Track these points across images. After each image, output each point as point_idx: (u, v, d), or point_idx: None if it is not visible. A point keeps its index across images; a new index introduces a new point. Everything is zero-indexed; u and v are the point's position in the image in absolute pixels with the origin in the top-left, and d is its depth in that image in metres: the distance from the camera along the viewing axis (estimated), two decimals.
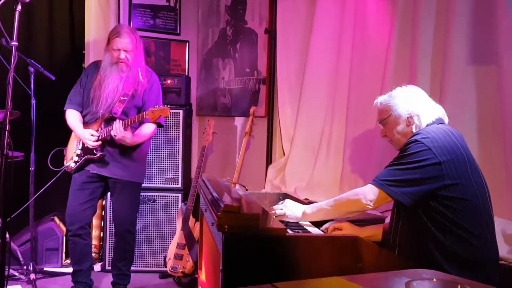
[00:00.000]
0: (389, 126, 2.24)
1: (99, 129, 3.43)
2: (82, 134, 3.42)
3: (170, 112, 4.15)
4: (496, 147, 2.50)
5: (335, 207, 2.22)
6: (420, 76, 2.78)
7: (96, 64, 3.56)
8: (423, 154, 2.01)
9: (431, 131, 2.09)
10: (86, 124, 3.49)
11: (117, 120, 3.31)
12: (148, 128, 3.50)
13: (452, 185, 1.99)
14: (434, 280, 1.06)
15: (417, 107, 2.19)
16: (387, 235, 2.23)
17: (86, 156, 3.45)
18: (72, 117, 3.52)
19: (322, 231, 2.38)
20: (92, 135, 3.39)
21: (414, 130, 2.17)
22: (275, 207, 2.40)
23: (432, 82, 2.77)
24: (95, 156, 3.42)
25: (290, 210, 2.35)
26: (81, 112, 3.54)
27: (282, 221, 2.35)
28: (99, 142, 3.40)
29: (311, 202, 3.03)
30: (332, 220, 2.40)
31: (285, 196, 3.12)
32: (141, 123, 3.46)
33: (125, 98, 3.41)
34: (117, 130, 3.28)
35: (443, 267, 1.95)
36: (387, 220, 2.34)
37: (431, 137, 2.04)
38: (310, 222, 2.48)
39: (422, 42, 2.79)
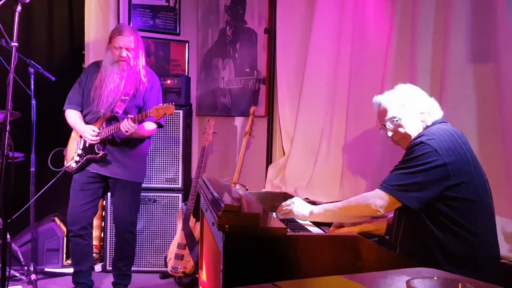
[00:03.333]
0: (401, 122, 2.20)
1: (101, 128, 3.43)
2: (83, 129, 3.41)
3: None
4: (495, 146, 2.50)
5: (343, 209, 2.19)
6: (420, 75, 2.78)
7: (97, 64, 3.56)
8: (429, 156, 1.99)
9: (436, 132, 2.08)
10: (87, 124, 3.48)
11: (125, 119, 3.30)
12: (150, 126, 3.51)
13: (456, 185, 1.99)
14: (435, 278, 1.06)
15: (423, 105, 2.18)
16: (390, 231, 2.23)
17: (88, 156, 3.45)
18: (72, 115, 3.52)
19: (324, 231, 2.38)
20: (93, 130, 3.39)
21: (424, 126, 2.16)
22: (283, 203, 2.39)
23: (432, 80, 2.77)
24: (98, 156, 3.42)
25: (297, 207, 2.33)
26: (81, 112, 3.54)
27: (282, 221, 2.36)
28: (98, 138, 3.40)
29: (311, 202, 3.04)
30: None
31: (286, 195, 3.12)
32: (141, 122, 3.46)
33: (126, 97, 3.41)
34: (127, 126, 3.27)
35: (444, 266, 1.95)
36: (391, 214, 2.34)
37: (436, 138, 2.03)
38: (314, 222, 2.48)
39: (421, 41, 2.79)
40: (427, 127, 2.16)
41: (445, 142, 2.02)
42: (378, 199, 2.06)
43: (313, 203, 3.02)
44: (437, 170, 1.98)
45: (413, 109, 2.17)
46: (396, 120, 2.20)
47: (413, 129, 2.17)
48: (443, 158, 1.98)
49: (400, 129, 2.20)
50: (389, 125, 2.22)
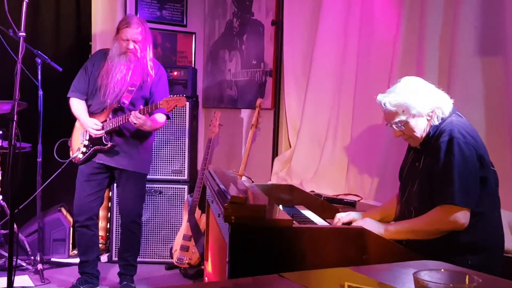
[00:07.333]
0: (409, 125, 2.14)
1: (108, 119, 3.42)
2: (86, 122, 3.42)
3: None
4: (503, 139, 2.49)
5: (425, 225, 2.07)
6: (427, 68, 2.76)
7: (104, 52, 3.53)
8: (467, 150, 2.01)
9: (460, 124, 2.08)
10: (92, 114, 3.47)
11: (134, 111, 3.30)
12: (161, 118, 3.51)
13: (486, 177, 2.06)
14: (443, 270, 1.06)
15: (434, 99, 2.13)
16: (398, 217, 2.24)
17: (95, 147, 3.45)
18: (78, 106, 3.50)
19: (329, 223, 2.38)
20: (95, 124, 3.39)
21: (436, 122, 2.12)
22: (342, 217, 2.34)
23: (440, 74, 2.75)
24: (106, 147, 3.42)
25: (369, 225, 2.16)
26: (86, 101, 3.53)
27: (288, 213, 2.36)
28: (102, 132, 3.40)
29: (317, 194, 3.05)
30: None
31: (291, 188, 3.11)
32: (151, 114, 3.46)
33: (133, 88, 3.41)
34: (136, 118, 3.27)
35: (451, 250, 2.00)
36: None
37: (464, 132, 2.04)
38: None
39: (429, 33, 2.77)
40: (443, 120, 2.12)
41: (472, 134, 2.06)
42: (462, 218, 1.99)
43: (319, 195, 3.03)
44: (476, 162, 2.02)
45: (419, 110, 2.11)
46: (403, 125, 2.15)
47: (419, 130, 2.14)
48: (477, 151, 2.03)
49: (407, 131, 2.16)
50: (395, 127, 2.18)
